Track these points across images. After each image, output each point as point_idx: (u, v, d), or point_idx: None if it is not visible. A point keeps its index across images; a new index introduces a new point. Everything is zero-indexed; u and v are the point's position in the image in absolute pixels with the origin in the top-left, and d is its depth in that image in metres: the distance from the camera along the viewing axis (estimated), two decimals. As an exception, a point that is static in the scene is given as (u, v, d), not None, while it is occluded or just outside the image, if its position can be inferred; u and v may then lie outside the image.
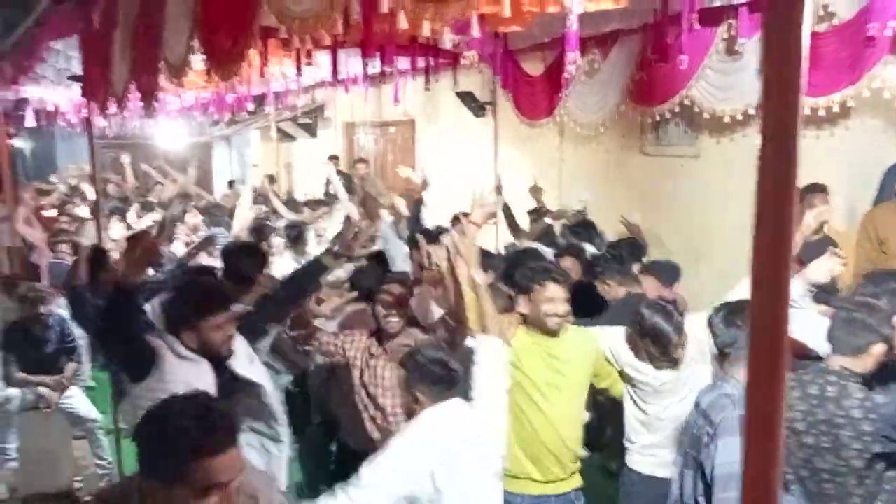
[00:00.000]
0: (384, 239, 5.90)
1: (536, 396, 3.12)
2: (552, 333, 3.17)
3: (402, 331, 3.43)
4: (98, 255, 4.31)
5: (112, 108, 4.87)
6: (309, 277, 3.28)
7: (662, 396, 3.28)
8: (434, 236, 4.34)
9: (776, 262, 1.13)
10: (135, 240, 2.71)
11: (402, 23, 2.12)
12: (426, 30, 2.07)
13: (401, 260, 5.36)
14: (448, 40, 2.69)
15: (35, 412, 4.91)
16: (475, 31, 2.61)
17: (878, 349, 2.53)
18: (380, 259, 4.73)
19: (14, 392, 4.98)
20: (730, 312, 2.73)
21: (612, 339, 3.39)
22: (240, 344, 2.84)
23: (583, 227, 5.64)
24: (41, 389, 4.91)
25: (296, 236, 6.27)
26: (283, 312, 3.23)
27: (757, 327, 1.21)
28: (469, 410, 2.62)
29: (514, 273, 3.34)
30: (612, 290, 4.10)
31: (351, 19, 2.64)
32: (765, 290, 1.16)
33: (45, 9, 5.14)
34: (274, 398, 3.05)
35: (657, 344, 3.18)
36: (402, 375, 2.64)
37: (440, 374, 2.57)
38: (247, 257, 3.97)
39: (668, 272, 4.41)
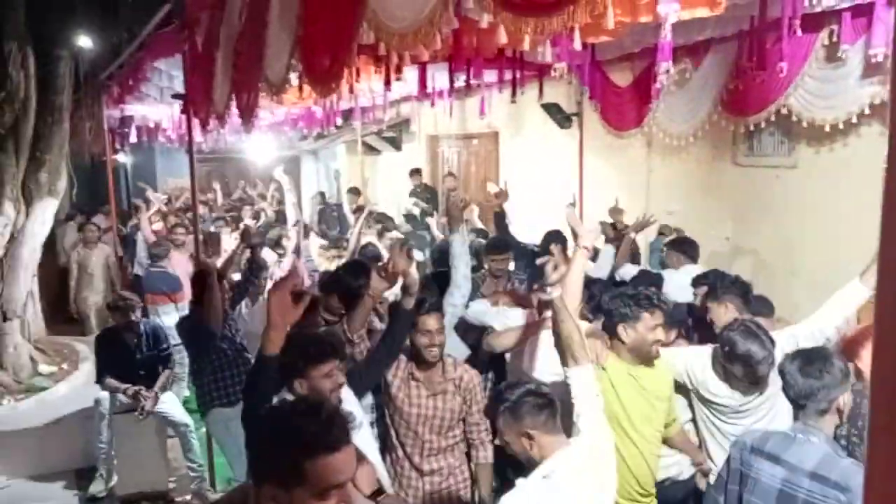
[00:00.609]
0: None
1: (629, 428, 3.02)
2: (648, 362, 3.09)
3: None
4: (202, 276, 4.54)
5: (212, 124, 5.09)
6: (403, 329, 3.23)
7: (743, 417, 3.18)
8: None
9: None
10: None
11: (502, 37, 2.13)
12: (525, 43, 2.08)
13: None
14: (547, 53, 2.67)
15: (129, 415, 5.07)
16: (577, 45, 2.59)
17: None
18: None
19: (104, 395, 5.18)
20: (805, 362, 2.47)
21: (689, 360, 3.31)
22: (346, 393, 2.86)
23: (686, 244, 5.40)
24: (135, 389, 4.97)
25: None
26: (384, 368, 3.25)
27: (882, 359, 1.15)
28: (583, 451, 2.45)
29: (616, 300, 3.17)
30: (728, 313, 3.70)
31: (444, 34, 2.68)
32: (893, 308, 1.10)
33: (150, 32, 5.44)
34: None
35: (747, 368, 3.05)
36: (504, 420, 2.47)
37: (539, 403, 2.43)
38: (355, 275, 3.95)
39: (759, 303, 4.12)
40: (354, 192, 11.40)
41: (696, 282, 4.35)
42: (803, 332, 3.24)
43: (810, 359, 2.47)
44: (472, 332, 3.84)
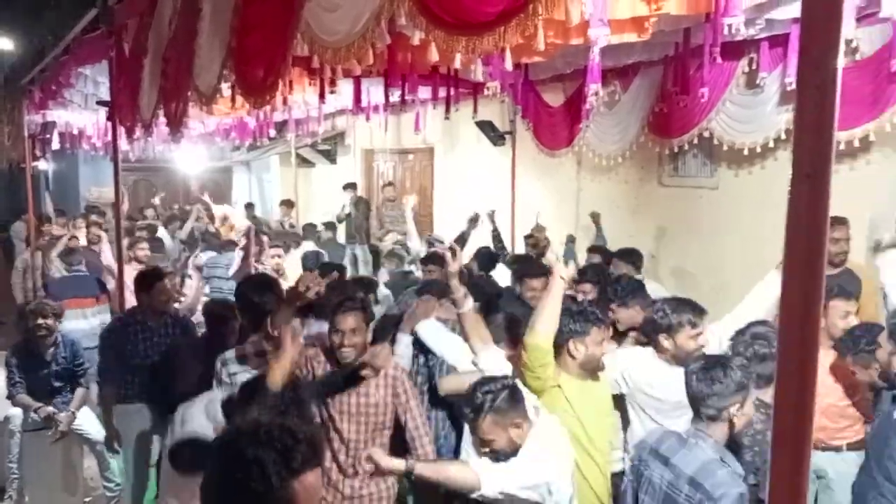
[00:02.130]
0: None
1: (587, 444, 3.02)
2: (595, 376, 3.14)
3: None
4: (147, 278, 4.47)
5: (138, 132, 4.97)
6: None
7: (684, 412, 3.27)
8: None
9: (808, 294, 1.14)
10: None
11: (433, 55, 2.15)
12: (457, 62, 2.11)
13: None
14: (479, 72, 2.72)
15: (42, 432, 4.82)
16: (508, 65, 2.64)
17: None
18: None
19: (15, 411, 4.89)
20: (704, 367, 2.49)
21: (624, 364, 3.36)
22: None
23: (633, 255, 5.52)
24: (49, 411, 4.74)
25: None
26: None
27: (786, 360, 1.22)
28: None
29: (564, 316, 3.18)
30: (637, 315, 3.82)
31: (378, 49, 2.69)
32: (795, 322, 1.17)
33: (76, 36, 5.29)
34: None
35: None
36: (491, 421, 2.54)
37: (515, 392, 2.60)
38: (259, 291, 3.68)
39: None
40: (287, 204, 11.28)
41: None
42: (730, 327, 3.32)
43: (709, 365, 2.50)
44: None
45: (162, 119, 4.30)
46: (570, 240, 6.90)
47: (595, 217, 6.80)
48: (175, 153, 13.50)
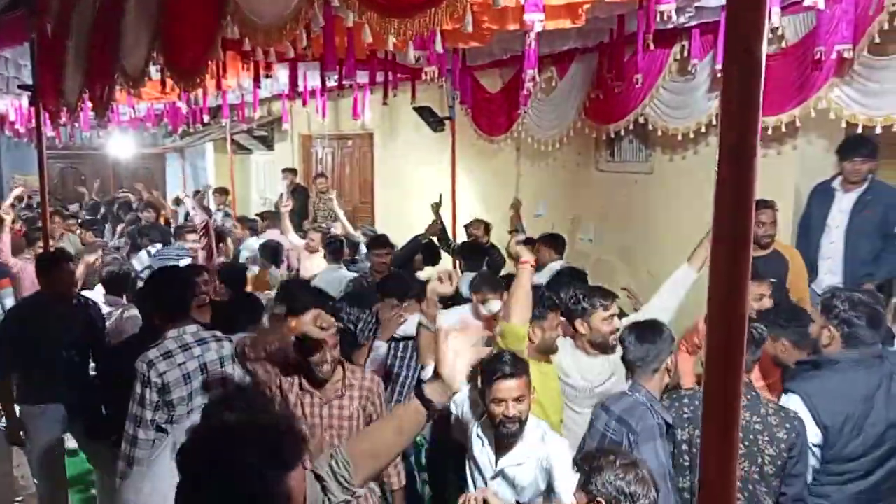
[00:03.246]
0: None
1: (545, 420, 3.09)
2: (548, 359, 3.31)
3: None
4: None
5: (63, 117, 4.78)
6: None
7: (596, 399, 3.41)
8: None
9: (735, 273, 1.17)
10: None
11: (367, 37, 2.13)
12: (390, 44, 2.08)
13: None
14: (412, 56, 2.70)
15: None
16: (438, 47, 2.63)
17: None
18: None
19: None
20: (641, 330, 2.89)
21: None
22: None
23: (555, 239, 5.61)
24: None
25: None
26: None
27: (714, 336, 1.25)
28: None
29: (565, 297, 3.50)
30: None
31: (313, 32, 2.65)
32: (723, 301, 1.20)
33: (-6, 16, 5.04)
34: None
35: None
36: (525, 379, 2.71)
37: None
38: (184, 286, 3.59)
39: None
40: (221, 192, 11.04)
41: None
42: (648, 313, 3.52)
43: (644, 328, 2.90)
44: None
45: (88, 104, 4.15)
46: (515, 205, 6.98)
47: (516, 206, 6.95)
48: (104, 139, 13.06)
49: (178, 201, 10.43)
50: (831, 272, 4.58)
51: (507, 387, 2.65)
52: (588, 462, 2.22)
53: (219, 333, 3.41)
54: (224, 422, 1.59)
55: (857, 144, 4.44)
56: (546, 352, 3.32)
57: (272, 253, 6.57)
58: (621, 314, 3.53)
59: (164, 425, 3.07)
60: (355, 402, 3.05)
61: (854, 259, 4.48)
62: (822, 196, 4.69)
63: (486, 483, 2.79)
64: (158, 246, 7.08)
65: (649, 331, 2.87)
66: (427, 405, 1.81)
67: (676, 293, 3.55)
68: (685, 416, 2.83)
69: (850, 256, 4.51)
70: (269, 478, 1.43)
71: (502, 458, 2.80)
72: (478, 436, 2.90)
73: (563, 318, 3.44)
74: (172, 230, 7.95)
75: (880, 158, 4.52)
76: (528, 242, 5.67)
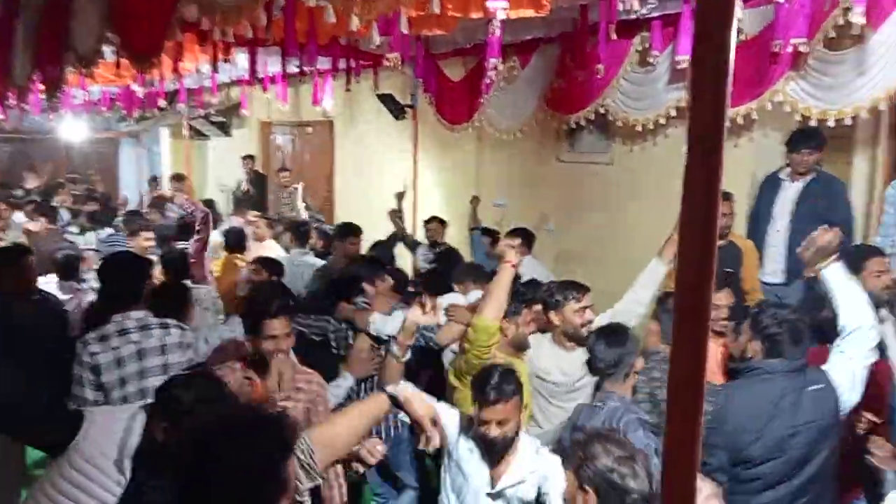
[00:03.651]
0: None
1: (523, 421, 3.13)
2: (520, 355, 3.37)
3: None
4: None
5: (11, 99, 4.61)
6: None
7: (575, 395, 3.44)
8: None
9: (702, 265, 1.17)
10: None
11: (330, 16, 2.08)
12: (354, 24, 2.03)
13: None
14: (376, 40, 2.66)
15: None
16: (403, 27, 2.59)
17: None
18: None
19: None
20: (610, 335, 2.92)
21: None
22: None
23: (525, 235, 5.61)
24: None
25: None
26: None
27: (682, 331, 1.25)
28: None
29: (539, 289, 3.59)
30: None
31: (273, 15, 2.59)
32: (690, 293, 1.20)
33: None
34: None
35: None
36: (516, 400, 2.68)
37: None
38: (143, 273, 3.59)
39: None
40: (178, 178, 10.82)
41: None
42: (620, 309, 3.64)
43: (611, 332, 2.93)
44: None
45: (39, 86, 4.01)
46: (474, 202, 7.14)
47: (473, 202, 7.10)
48: (55, 123, 12.68)
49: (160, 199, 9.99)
50: (775, 261, 4.69)
51: (492, 410, 2.65)
52: (583, 447, 2.11)
53: (170, 321, 3.36)
54: (237, 413, 1.66)
55: (805, 136, 4.55)
56: (518, 347, 3.38)
57: (237, 238, 6.47)
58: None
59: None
60: (300, 405, 2.95)
61: (797, 249, 4.58)
62: (770, 186, 4.80)
63: (477, 496, 2.76)
64: (110, 230, 6.91)
65: (617, 335, 2.90)
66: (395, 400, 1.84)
67: (648, 287, 3.62)
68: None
69: (794, 246, 4.59)
70: (280, 466, 1.50)
71: (502, 477, 2.73)
72: (469, 450, 2.82)
73: (538, 309, 3.46)
74: (122, 216, 7.77)
75: (829, 150, 4.62)
76: (490, 234, 5.71)
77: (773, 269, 4.65)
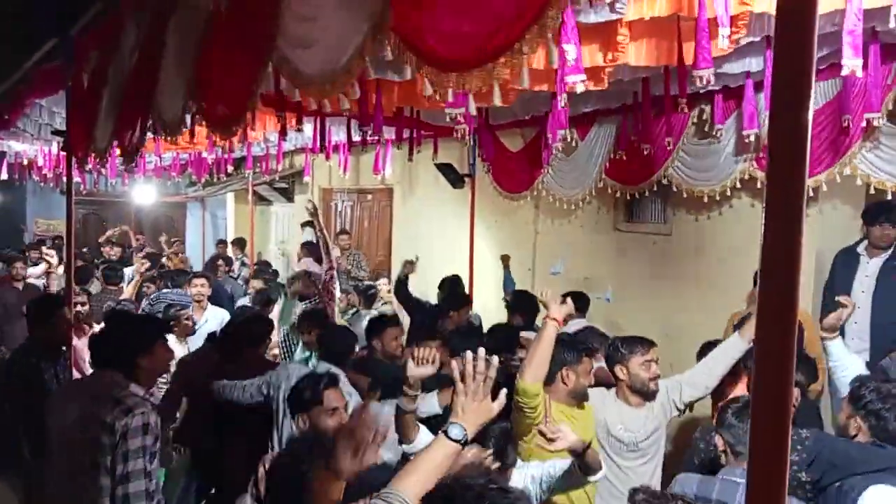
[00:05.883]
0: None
1: None
2: (581, 405, 3.28)
3: None
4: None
5: (91, 163, 4.86)
6: None
7: (638, 453, 3.38)
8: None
9: (783, 333, 1.15)
10: None
11: (427, 89, 2.16)
12: (449, 95, 2.10)
13: None
14: (452, 113, 2.74)
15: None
16: (472, 109, 2.67)
17: None
18: None
19: None
20: (741, 408, 2.69)
21: (594, 402, 3.44)
22: None
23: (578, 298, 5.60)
24: None
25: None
26: None
27: (761, 401, 1.23)
28: None
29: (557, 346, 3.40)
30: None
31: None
32: (771, 363, 1.18)
33: (32, 66, 5.18)
34: None
35: None
36: None
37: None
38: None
39: None
40: (238, 244, 11.12)
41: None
42: (689, 380, 3.52)
43: (739, 409, 2.67)
44: None
45: (117, 151, 4.23)
46: (505, 260, 7.30)
47: (504, 260, 7.25)
48: (127, 187, 13.27)
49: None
50: (858, 338, 4.52)
51: None
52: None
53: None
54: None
55: (884, 209, 4.46)
56: (578, 398, 3.27)
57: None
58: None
59: None
60: None
61: (881, 325, 4.43)
62: (846, 261, 4.67)
63: None
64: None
65: (744, 411, 2.66)
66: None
67: (724, 362, 3.47)
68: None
69: (876, 322, 4.46)
70: None
71: None
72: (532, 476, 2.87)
73: (600, 364, 3.42)
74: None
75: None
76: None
77: (857, 346, 4.47)
